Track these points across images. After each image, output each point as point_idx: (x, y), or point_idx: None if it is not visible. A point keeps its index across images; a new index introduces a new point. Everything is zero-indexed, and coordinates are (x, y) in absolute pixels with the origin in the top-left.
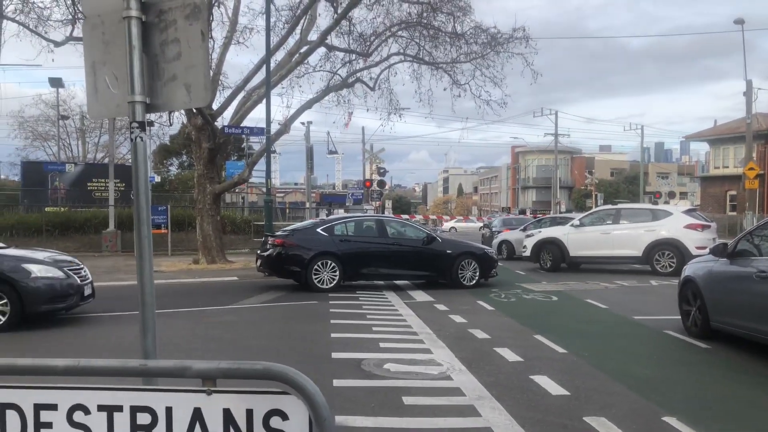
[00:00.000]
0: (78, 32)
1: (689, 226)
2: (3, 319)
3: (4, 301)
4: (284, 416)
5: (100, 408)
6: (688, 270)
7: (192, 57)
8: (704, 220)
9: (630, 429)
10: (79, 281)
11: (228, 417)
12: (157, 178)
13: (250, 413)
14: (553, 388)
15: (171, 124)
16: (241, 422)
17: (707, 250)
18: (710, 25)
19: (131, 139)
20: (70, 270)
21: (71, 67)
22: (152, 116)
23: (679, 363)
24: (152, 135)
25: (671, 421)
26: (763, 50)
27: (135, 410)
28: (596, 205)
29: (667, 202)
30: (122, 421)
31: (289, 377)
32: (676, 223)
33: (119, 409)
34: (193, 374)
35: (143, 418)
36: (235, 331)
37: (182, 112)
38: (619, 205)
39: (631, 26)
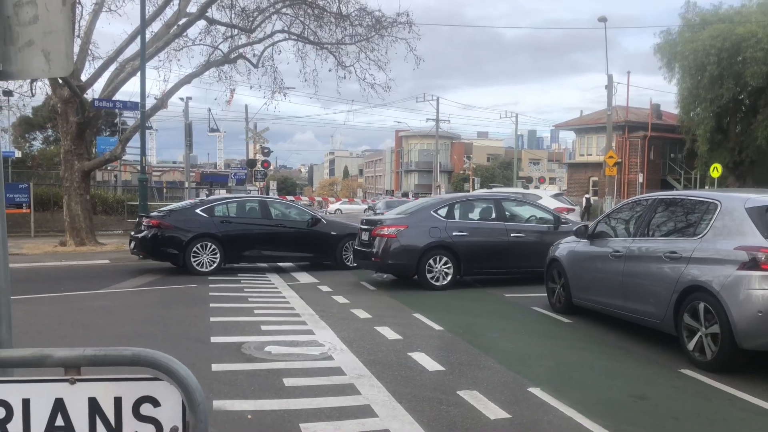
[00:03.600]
0: None
1: (555, 210)
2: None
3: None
4: (156, 403)
5: None
6: (554, 250)
7: (51, 22)
8: (569, 204)
9: (499, 400)
10: None
11: (94, 406)
12: (18, 153)
13: (118, 401)
14: (430, 364)
15: (33, 95)
16: (109, 411)
17: None
18: (577, 21)
19: None
20: None
21: None
22: (11, 86)
23: (544, 337)
24: (11, 106)
25: (536, 391)
26: (623, 47)
27: None
28: (473, 189)
29: (537, 187)
30: None
31: (160, 362)
32: None
33: None
34: (55, 363)
35: None
36: (106, 317)
37: (46, 82)
38: (494, 190)
39: (507, 17)
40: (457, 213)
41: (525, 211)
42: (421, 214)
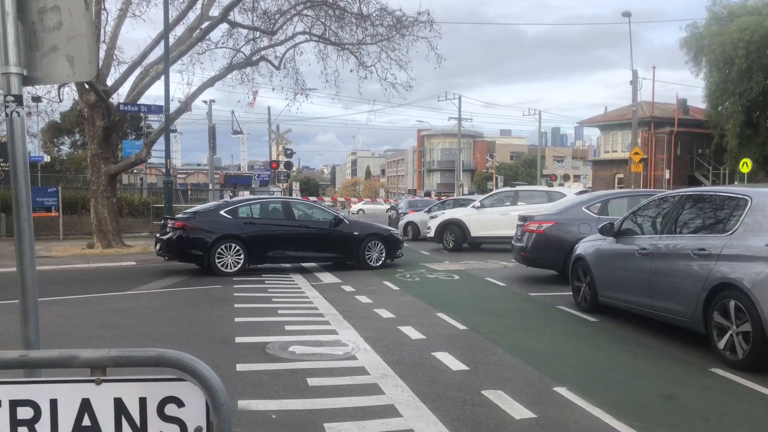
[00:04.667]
0: None
1: None
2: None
3: None
4: (180, 403)
5: None
6: (579, 248)
7: (75, 27)
8: None
9: (524, 400)
10: None
11: (119, 406)
12: (47, 158)
13: (143, 402)
14: (454, 363)
15: (61, 100)
16: (134, 411)
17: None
18: (600, 16)
19: (6, 114)
20: None
21: None
22: (40, 92)
23: (569, 336)
24: (40, 111)
25: (562, 391)
26: (648, 42)
27: (15, 404)
28: (496, 188)
29: (561, 185)
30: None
31: (184, 363)
32: None
33: None
34: (81, 363)
35: (24, 413)
36: (133, 318)
37: (73, 87)
38: (517, 188)
39: (528, 14)
40: (611, 209)
41: None
42: (572, 210)
